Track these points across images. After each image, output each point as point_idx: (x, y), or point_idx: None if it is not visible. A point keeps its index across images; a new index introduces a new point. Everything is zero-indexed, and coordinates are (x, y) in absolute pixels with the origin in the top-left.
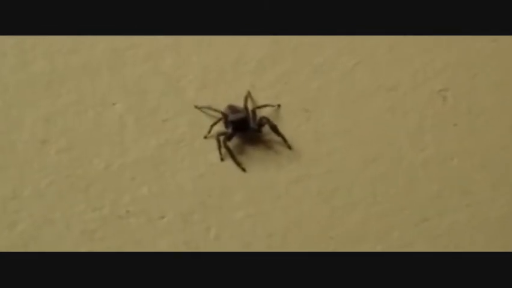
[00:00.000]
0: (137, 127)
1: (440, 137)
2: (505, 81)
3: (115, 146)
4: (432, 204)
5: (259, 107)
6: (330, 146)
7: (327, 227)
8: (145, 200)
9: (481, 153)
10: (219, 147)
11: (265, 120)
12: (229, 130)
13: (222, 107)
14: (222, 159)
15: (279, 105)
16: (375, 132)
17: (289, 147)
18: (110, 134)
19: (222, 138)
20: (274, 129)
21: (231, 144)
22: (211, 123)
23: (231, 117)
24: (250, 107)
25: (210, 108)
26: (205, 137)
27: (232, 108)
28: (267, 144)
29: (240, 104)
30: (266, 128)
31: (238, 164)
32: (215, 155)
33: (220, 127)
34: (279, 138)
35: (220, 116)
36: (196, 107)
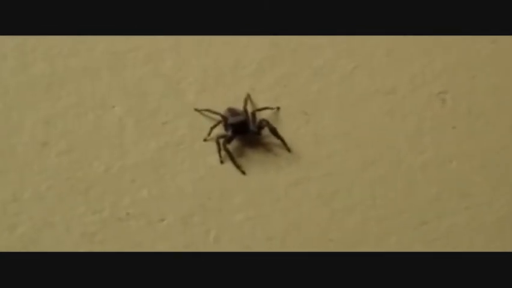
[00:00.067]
0: (137, 130)
1: (439, 139)
2: (503, 84)
3: (114, 149)
4: (431, 207)
5: (258, 110)
6: (330, 148)
7: (326, 229)
8: (145, 202)
9: (480, 155)
10: (219, 150)
11: (264, 123)
12: (229, 133)
13: (222, 109)
14: (221, 162)
15: (278, 108)
16: (374, 135)
17: (289, 149)
18: (110, 136)
19: (221, 140)
20: (274, 131)
21: (231, 146)
22: (210, 125)
23: (231, 120)
24: (249, 109)
25: (209, 110)
26: (205, 140)
27: (232, 111)
28: (266, 147)
29: (239, 106)
30: (266, 131)
31: (238, 166)
32: (215, 157)
33: (219, 130)
34: (278, 141)
35: (219, 118)
36: (195, 109)
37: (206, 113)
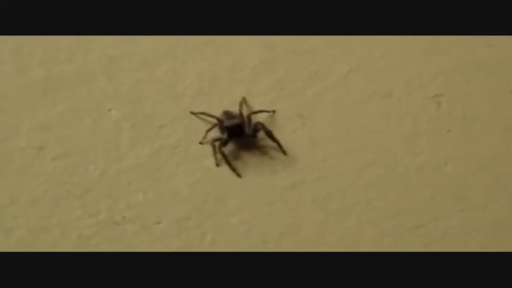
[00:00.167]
0: (133, 133)
1: (434, 142)
2: (499, 87)
3: (110, 153)
4: (426, 210)
5: (254, 113)
6: (325, 151)
7: (321, 232)
8: (140, 205)
9: (475, 158)
10: (214, 153)
11: (260, 126)
12: (225, 136)
13: (218, 113)
14: (217, 165)
15: (274, 111)
16: (369, 138)
17: (284, 152)
18: (106, 140)
19: (217, 144)
20: (269, 135)
21: (226, 149)
22: (206, 129)
23: (226, 123)
24: (245, 112)
25: (205, 114)
26: (201, 143)
27: (228, 114)
28: (262, 150)
29: (235, 110)
30: (261, 134)
31: (234, 169)
32: (210, 160)
33: (215, 133)
34: (274, 144)
35: (215, 121)
36: (191, 112)
37: (202, 116)
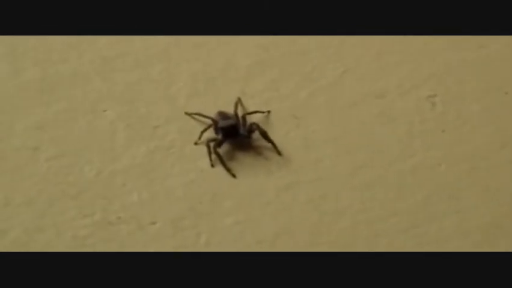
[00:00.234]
0: (127, 134)
1: (428, 143)
2: (493, 88)
3: (105, 153)
4: (421, 210)
5: (249, 113)
6: (320, 152)
7: (316, 233)
8: (135, 206)
9: (470, 159)
10: (209, 154)
11: (255, 127)
12: (219, 136)
13: (212, 113)
14: (212, 166)
15: (268, 112)
16: (363, 139)
17: (279, 153)
18: (101, 141)
19: (212, 144)
20: (264, 135)
21: (221, 150)
22: (201, 129)
23: (221, 123)
24: (240, 113)
25: (200, 114)
26: (196, 144)
27: (222, 115)
28: (256, 151)
29: (230, 110)
30: (256, 134)
31: (228, 170)
32: (205, 161)
33: (210, 133)
34: (268, 145)
35: (210, 122)
36: (186, 113)
37: (196, 116)
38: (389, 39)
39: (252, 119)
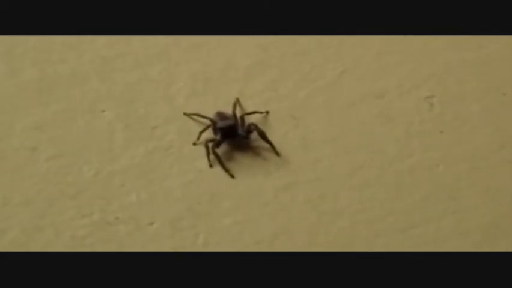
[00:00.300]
0: (126, 134)
1: (426, 143)
2: (491, 88)
3: (104, 153)
4: (419, 211)
5: (247, 114)
6: (318, 152)
7: (315, 233)
8: (134, 206)
9: (468, 159)
10: (208, 154)
11: (253, 127)
12: (218, 137)
13: (211, 114)
14: (210, 166)
15: (267, 112)
16: (362, 139)
17: (278, 153)
18: (100, 141)
19: (210, 144)
20: (263, 135)
21: (220, 150)
22: (200, 130)
23: (220, 124)
24: (238, 113)
25: (198, 115)
26: (194, 144)
27: (221, 115)
28: (255, 151)
29: (228, 110)
30: (254, 135)
31: (227, 170)
32: (204, 161)
33: (208, 134)
34: (267, 145)
35: (208, 122)
36: (184, 114)
37: (195, 117)
38: (387, 39)
39: (251, 119)
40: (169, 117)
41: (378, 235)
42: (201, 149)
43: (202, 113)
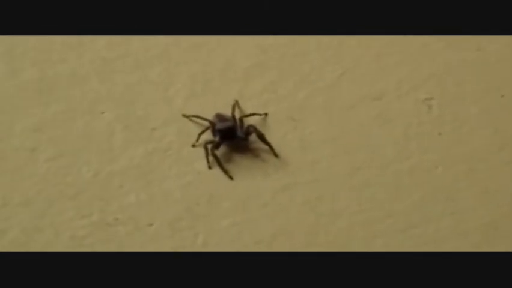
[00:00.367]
0: (125, 135)
1: (425, 145)
2: (489, 90)
3: (103, 154)
4: (417, 212)
5: (246, 116)
6: (317, 154)
7: (313, 234)
8: (133, 207)
9: (466, 161)
10: (207, 156)
11: (252, 129)
12: (217, 138)
13: (210, 115)
14: (209, 167)
15: (266, 114)
16: (360, 141)
17: (276, 155)
18: (99, 142)
19: (209, 146)
20: (261, 137)
21: (219, 152)
22: (199, 131)
23: (219, 125)
24: (237, 115)
25: (197, 116)
26: (193, 146)
27: (220, 117)
28: (254, 153)
29: (227, 112)
30: (253, 137)
31: (226, 172)
32: (203, 163)
33: (207, 135)
34: (266, 147)
35: (207, 124)
36: (184, 115)
37: (194, 119)
38: (386, 40)
39: (250, 121)
40: (168, 119)
41: (377, 236)
42: (200, 151)
43: (201, 115)
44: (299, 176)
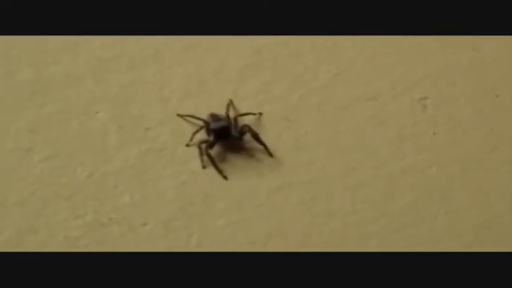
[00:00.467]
0: (120, 136)
1: (419, 145)
2: (484, 90)
3: (98, 155)
4: (411, 212)
5: (241, 115)
6: (311, 154)
7: (308, 234)
8: (127, 207)
9: (460, 161)
10: (201, 155)
11: (246, 128)
12: (211, 138)
13: (204, 115)
14: (203, 167)
15: (260, 114)
16: (355, 141)
17: (271, 155)
18: (94, 142)
19: (203, 146)
20: (256, 137)
21: (213, 152)
22: (193, 131)
23: (213, 125)
24: (232, 115)
25: (192, 116)
26: (187, 145)
27: (214, 117)
28: (248, 152)
29: (222, 112)
30: (248, 136)
31: (220, 171)
32: (197, 163)
33: (202, 135)
34: (260, 146)
35: (202, 124)
36: (178, 115)
37: (188, 118)
38: (381, 40)
39: (244, 120)
40: (162, 119)
41: (371, 236)
42: (194, 150)
43: (196, 115)
44: (294, 176)
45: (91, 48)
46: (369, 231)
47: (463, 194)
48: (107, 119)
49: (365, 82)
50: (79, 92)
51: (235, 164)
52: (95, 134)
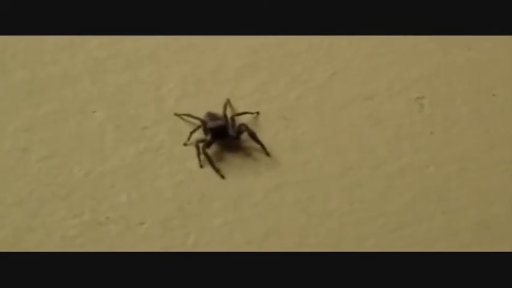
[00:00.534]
0: (117, 135)
1: (416, 144)
2: (481, 90)
3: (95, 154)
4: (408, 211)
5: (238, 114)
6: (308, 153)
7: (304, 234)
8: (124, 206)
9: (457, 160)
10: (198, 154)
11: (244, 128)
12: (208, 137)
13: (201, 114)
14: (201, 166)
15: (258, 113)
16: (352, 141)
17: (268, 154)
18: (91, 142)
19: (201, 145)
20: (253, 136)
21: (210, 151)
22: (190, 130)
23: (210, 124)
24: (229, 114)
25: (189, 115)
26: (185, 144)
27: (211, 116)
28: (245, 152)
29: (219, 111)
30: (245, 135)
31: (217, 171)
32: (194, 162)
33: (199, 134)
34: (257, 146)
35: (199, 123)
36: (175, 114)
37: (186, 117)
38: (377, 39)
39: (241, 120)
40: (159, 118)
41: (368, 236)
42: (192, 150)
43: (193, 114)
44: (291, 176)
45: (87, 48)
46: (366, 231)
47: (460, 193)
48: (104, 118)
49: (362, 82)
50: (76, 92)
51: (232, 163)
52: (92, 133)
